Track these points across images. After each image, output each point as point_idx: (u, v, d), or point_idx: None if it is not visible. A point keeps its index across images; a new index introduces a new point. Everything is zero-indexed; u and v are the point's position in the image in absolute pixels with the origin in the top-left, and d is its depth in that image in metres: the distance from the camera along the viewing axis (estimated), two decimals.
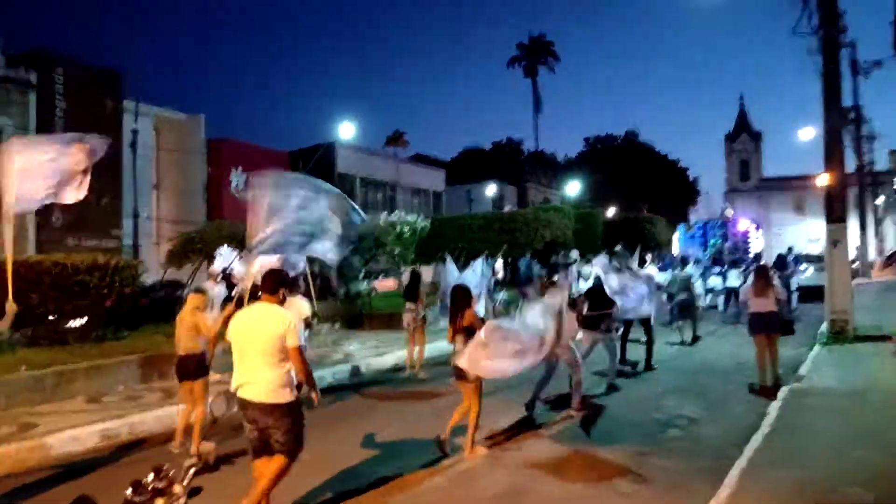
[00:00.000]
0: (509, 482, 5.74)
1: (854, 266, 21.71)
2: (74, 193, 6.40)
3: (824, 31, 11.25)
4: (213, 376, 7.36)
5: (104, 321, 11.50)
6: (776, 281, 9.85)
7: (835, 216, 11.52)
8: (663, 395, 8.84)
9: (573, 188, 45.31)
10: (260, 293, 4.96)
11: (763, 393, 8.43)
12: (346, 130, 28.87)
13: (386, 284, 23.70)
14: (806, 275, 21.48)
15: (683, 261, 16.00)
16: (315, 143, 33.41)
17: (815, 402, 7.30)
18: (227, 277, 10.71)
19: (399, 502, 5.40)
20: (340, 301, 17.56)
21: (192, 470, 2.75)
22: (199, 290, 7.48)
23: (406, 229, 17.43)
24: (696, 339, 13.50)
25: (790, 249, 21.71)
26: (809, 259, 26.05)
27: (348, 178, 35.29)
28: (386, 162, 38.95)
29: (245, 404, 4.73)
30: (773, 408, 7.03)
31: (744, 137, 70.51)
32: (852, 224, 14.52)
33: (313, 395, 4.89)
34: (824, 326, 11.86)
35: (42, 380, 8.95)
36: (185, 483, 2.63)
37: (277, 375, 4.63)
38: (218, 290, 10.86)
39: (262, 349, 4.64)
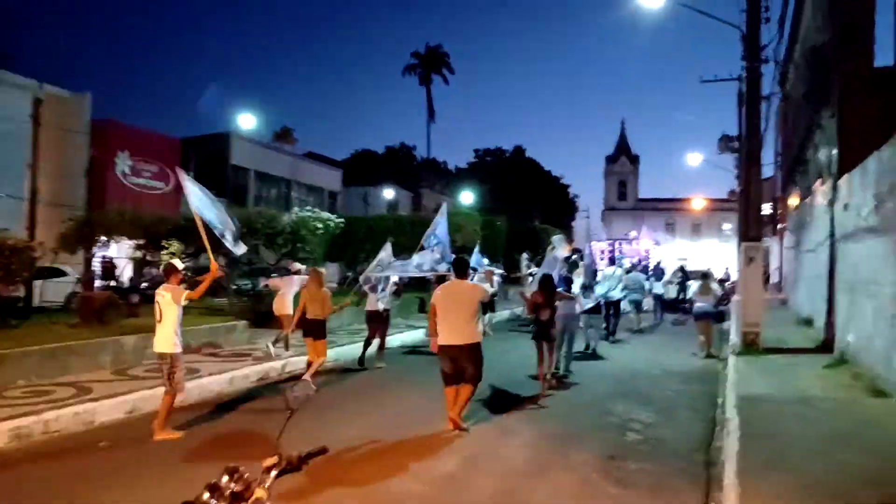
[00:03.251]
0: (495, 488, 5.55)
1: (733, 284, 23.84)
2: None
3: (748, 65, 11.95)
4: None
5: None
6: (714, 285, 11.21)
7: (750, 235, 12.23)
8: (609, 399, 8.95)
9: (467, 197, 45.85)
10: None
11: (708, 357, 12.40)
12: (245, 121, 27.80)
13: (276, 283, 22.75)
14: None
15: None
16: (209, 132, 31.84)
17: (770, 409, 7.59)
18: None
19: None
20: (246, 297, 16.67)
21: (274, 472, 2.36)
22: (319, 269, 10.40)
23: (320, 226, 16.85)
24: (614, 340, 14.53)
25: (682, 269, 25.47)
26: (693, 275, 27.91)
27: (242, 171, 33.81)
28: (282, 157, 37.65)
29: (447, 348, 7.07)
30: (732, 413, 7.24)
31: (623, 160, 74.33)
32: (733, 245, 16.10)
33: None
34: (734, 338, 12.54)
35: None
36: (267, 486, 2.25)
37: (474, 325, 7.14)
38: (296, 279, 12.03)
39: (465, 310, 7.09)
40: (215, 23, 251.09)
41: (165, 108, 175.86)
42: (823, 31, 15.09)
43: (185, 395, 7.55)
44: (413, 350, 13.69)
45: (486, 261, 16.62)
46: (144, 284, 20.67)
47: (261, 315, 15.32)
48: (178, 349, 7.07)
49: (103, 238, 17.93)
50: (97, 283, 20.19)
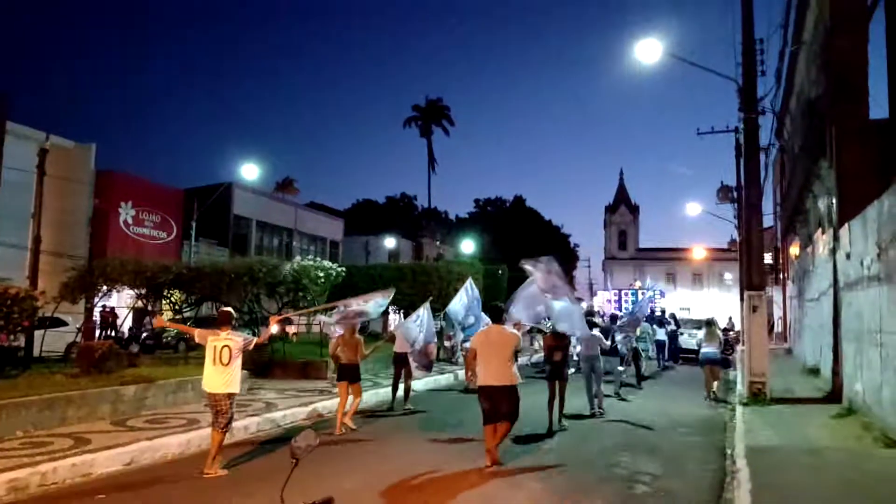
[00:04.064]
0: None
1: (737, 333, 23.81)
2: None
3: (746, 116, 12.14)
4: None
5: None
6: (718, 332, 11.85)
7: (753, 284, 12.21)
8: (614, 451, 8.79)
9: (468, 246, 46.00)
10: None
11: (715, 399, 13.21)
12: (249, 171, 28.01)
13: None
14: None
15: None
16: (212, 182, 32.16)
17: (780, 460, 7.45)
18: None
19: None
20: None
21: None
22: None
23: (322, 274, 16.85)
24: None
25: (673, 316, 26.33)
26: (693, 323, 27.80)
27: (244, 220, 34.05)
28: (284, 207, 37.93)
29: (486, 389, 7.71)
30: (741, 464, 7.11)
31: (622, 210, 74.86)
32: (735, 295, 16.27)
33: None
34: (740, 387, 12.41)
35: None
36: None
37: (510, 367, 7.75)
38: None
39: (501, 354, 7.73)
40: (219, 75, 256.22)
41: (169, 159, 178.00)
42: (818, 84, 15.37)
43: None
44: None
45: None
46: (144, 334, 20.60)
47: (262, 365, 15.24)
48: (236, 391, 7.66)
49: (104, 287, 17.96)
50: (97, 332, 20.14)
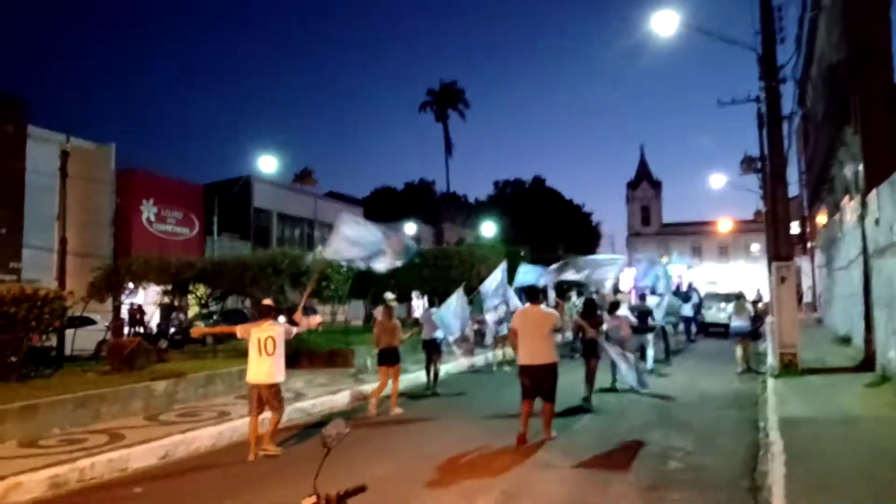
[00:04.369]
0: None
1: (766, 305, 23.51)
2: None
3: (766, 85, 11.90)
4: None
5: (30, 357, 10.35)
6: (748, 305, 12.15)
7: (781, 254, 12.03)
8: (647, 428, 8.75)
9: (489, 229, 45.79)
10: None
11: (747, 371, 13.31)
12: (266, 164, 28.10)
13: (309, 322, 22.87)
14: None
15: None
16: (231, 176, 32.36)
17: (811, 430, 7.38)
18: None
19: None
20: None
21: None
22: (390, 303, 11.75)
23: (344, 264, 16.86)
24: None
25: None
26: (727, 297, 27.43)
27: (265, 212, 34.25)
28: (303, 198, 38.08)
29: (526, 367, 8.00)
30: (775, 437, 7.04)
31: (644, 185, 74.14)
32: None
33: None
34: (771, 359, 12.28)
35: None
36: None
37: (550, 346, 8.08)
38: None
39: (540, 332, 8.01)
40: (232, 68, 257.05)
41: (186, 154, 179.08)
42: (839, 49, 15.03)
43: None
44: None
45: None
46: (172, 329, 20.85)
47: (288, 356, 15.32)
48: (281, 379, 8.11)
49: (131, 285, 18.18)
50: (126, 329, 20.43)
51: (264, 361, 7.84)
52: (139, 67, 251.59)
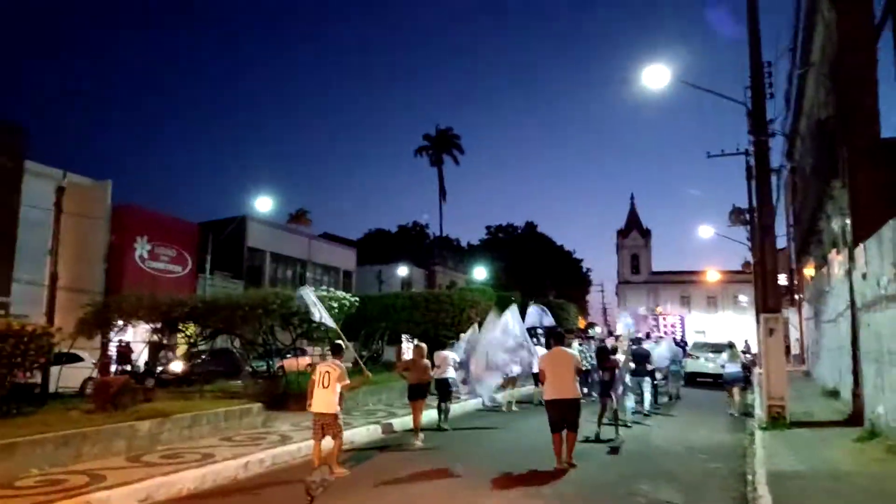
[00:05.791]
0: None
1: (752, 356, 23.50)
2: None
3: (756, 139, 12.13)
4: None
5: (13, 394, 10.21)
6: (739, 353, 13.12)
7: (769, 306, 12.09)
8: (635, 478, 8.66)
9: (480, 273, 45.95)
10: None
11: (745, 415, 14.25)
12: (263, 204, 28.33)
13: (291, 364, 22.66)
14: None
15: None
16: (226, 215, 32.51)
17: (799, 486, 7.32)
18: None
19: None
20: (261, 379, 16.61)
21: None
22: (421, 344, 12.97)
23: (335, 305, 16.84)
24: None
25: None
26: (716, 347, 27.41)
27: (258, 252, 34.29)
28: (297, 238, 38.17)
29: (554, 402, 9.17)
30: (763, 491, 6.98)
31: (634, 234, 74.68)
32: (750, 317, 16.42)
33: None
34: (759, 411, 12.22)
35: None
36: None
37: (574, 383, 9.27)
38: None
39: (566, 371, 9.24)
40: (232, 109, 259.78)
41: (182, 191, 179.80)
42: (827, 105, 15.37)
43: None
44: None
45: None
46: (160, 369, 20.63)
47: (276, 398, 15.18)
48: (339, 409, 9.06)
49: (120, 322, 18.03)
50: (113, 367, 20.18)
51: (320, 393, 8.84)
52: (137, 105, 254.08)
